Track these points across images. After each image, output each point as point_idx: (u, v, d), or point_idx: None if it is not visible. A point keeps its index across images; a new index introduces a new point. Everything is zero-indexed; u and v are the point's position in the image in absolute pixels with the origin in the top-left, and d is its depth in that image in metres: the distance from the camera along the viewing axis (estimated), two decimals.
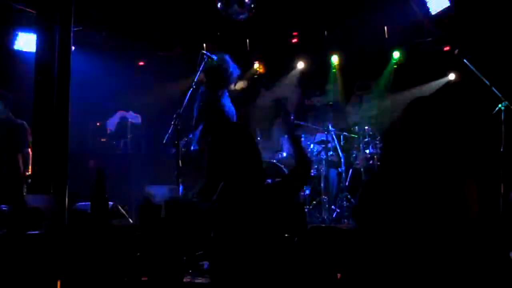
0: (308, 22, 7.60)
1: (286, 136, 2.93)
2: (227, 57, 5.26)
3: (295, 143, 2.89)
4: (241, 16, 5.50)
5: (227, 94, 5.42)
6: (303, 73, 8.37)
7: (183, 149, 5.46)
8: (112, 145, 8.03)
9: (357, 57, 7.91)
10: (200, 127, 5.28)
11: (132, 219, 5.05)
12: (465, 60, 5.14)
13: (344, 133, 7.09)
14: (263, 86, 8.60)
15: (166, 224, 3.39)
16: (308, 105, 8.31)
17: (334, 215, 6.57)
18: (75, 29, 4.57)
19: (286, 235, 2.79)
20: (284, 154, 6.78)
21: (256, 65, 8.40)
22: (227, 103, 5.33)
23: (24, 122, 5.57)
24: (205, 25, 7.33)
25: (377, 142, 6.89)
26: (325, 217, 6.49)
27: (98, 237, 3.17)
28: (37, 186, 4.19)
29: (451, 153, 2.29)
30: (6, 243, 3.05)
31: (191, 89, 5.20)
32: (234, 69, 5.29)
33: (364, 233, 2.38)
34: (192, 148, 5.28)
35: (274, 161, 6.62)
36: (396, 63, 7.92)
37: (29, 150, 5.35)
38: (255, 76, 8.44)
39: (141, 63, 8.55)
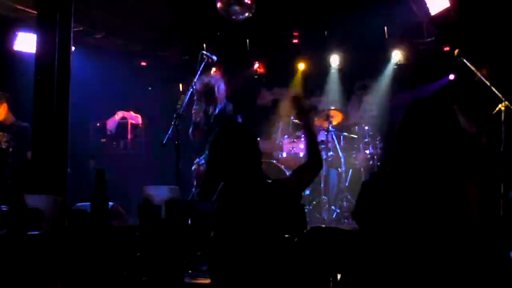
0: (308, 22, 7.59)
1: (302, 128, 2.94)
2: (215, 77, 5.82)
3: (310, 135, 2.89)
4: (241, 16, 5.51)
5: (229, 103, 5.72)
6: (303, 73, 8.39)
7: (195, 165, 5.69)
8: (112, 145, 8.02)
9: (357, 57, 7.91)
10: None
11: (132, 220, 5.05)
12: (465, 60, 5.13)
13: (344, 133, 7.10)
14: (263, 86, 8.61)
15: (166, 224, 3.39)
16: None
17: (334, 215, 6.57)
18: (75, 29, 4.57)
19: (286, 235, 2.79)
20: (284, 154, 6.78)
21: (256, 65, 8.40)
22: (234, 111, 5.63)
23: (29, 125, 5.60)
24: (205, 25, 7.33)
25: (377, 142, 6.89)
26: (325, 217, 6.49)
27: (98, 237, 3.17)
28: (37, 186, 4.19)
29: (451, 154, 2.29)
30: (6, 243, 3.05)
31: (191, 89, 5.26)
32: (221, 84, 5.73)
33: (364, 233, 2.38)
34: None
35: (274, 161, 6.63)
36: (396, 63, 7.92)
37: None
38: (255, 76, 8.45)
39: (142, 63, 8.56)
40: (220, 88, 5.67)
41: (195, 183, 5.80)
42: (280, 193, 2.68)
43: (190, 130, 5.72)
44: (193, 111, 5.63)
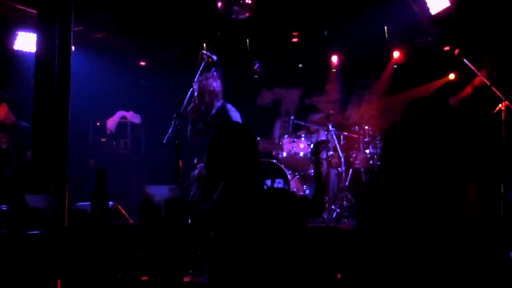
0: (308, 22, 7.59)
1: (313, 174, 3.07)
2: (209, 75, 5.73)
3: (319, 183, 2.96)
4: (241, 16, 5.51)
5: (226, 102, 5.67)
6: (303, 73, 8.41)
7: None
8: (112, 145, 8.03)
9: (357, 57, 7.91)
10: None
11: (132, 219, 5.05)
12: (465, 60, 5.14)
13: (344, 133, 7.10)
14: (263, 85, 8.63)
15: (166, 224, 3.39)
16: (308, 105, 8.33)
17: (334, 215, 6.57)
18: (75, 29, 4.57)
19: (286, 235, 2.79)
20: (284, 154, 6.78)
21: (256, 65, 8.40)
22: (232, 110, 5.59)
23: (29, 125, 5.60)
24: (205, 25, 7.33)
25: (377, 142, 6.89)
26: (325, 217, 6.49)
27: (98, 237, 3.17)
28: (37, 186, 4.18)
29: (451, 154, 2.29)
30: (6, 242, 3.05)
31: (191, 89, 5.27)
32: (215, 81, 5.71)
33: (364, 233, 2.38)
34: None
35: (274, 161, 6.63)
36: (396, 63, 7.92)
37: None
38: (255, 76, 8.46)
39: (142, 63, 8.56)
40: (215, 85, 5.65)
41: (195, 184, 5.79)
42: (281, 200, 2.69)
43: (188, 130, 5.71)
44: (189, 109, 5.60)
